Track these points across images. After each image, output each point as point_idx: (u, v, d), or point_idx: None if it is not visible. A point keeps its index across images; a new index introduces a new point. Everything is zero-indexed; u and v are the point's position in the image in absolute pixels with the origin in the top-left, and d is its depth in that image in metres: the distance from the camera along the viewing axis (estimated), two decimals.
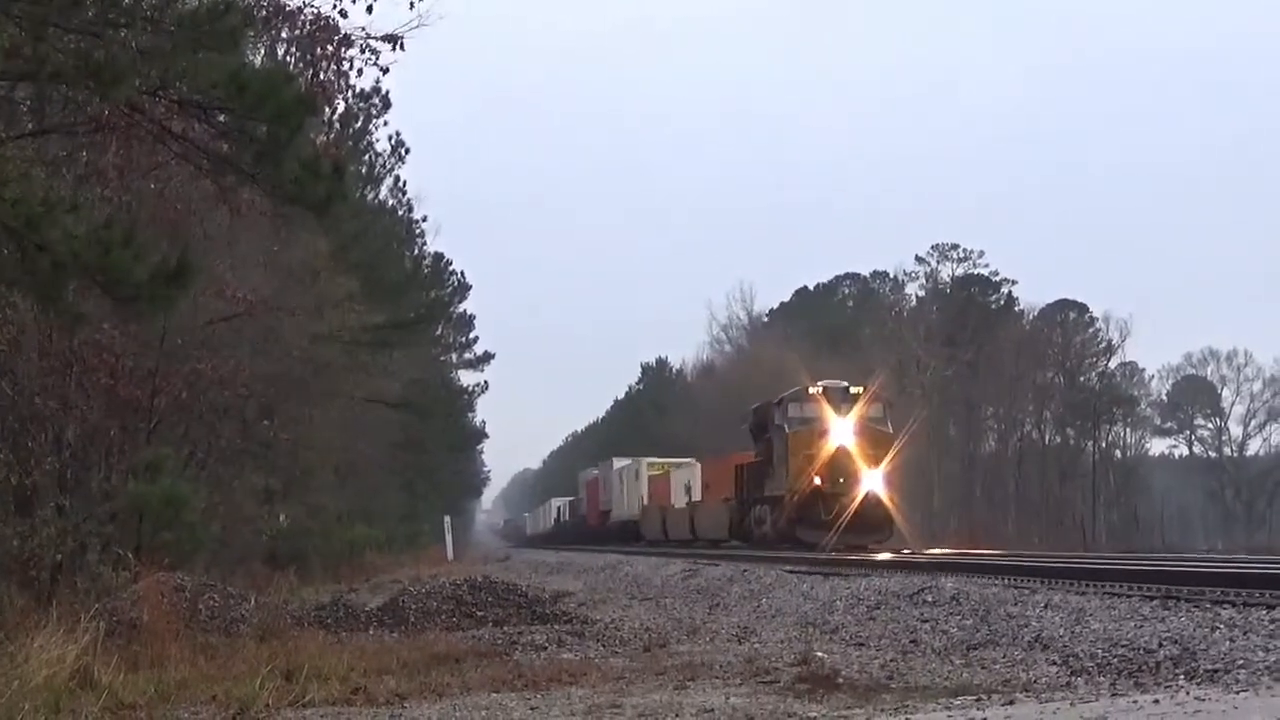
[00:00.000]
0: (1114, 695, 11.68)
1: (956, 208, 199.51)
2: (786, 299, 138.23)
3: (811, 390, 50.65)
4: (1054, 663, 14.24)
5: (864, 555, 41.15)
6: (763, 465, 54.12)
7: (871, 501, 48.10)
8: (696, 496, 70.50)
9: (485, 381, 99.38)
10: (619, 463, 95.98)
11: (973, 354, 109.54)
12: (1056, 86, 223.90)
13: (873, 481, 48.37)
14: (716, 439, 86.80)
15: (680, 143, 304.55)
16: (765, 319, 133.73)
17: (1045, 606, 17.92)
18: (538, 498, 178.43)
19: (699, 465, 73.91)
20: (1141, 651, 13.75)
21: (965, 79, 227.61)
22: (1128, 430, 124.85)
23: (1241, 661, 12.55)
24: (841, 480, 48.38)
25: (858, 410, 49.30)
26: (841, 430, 49.06)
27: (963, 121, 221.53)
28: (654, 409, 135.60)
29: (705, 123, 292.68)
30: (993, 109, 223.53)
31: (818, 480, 48.71)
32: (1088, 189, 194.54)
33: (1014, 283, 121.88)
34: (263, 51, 27.89)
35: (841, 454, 48.81)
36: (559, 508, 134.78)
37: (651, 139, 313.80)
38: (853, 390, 50.19)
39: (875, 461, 48.58)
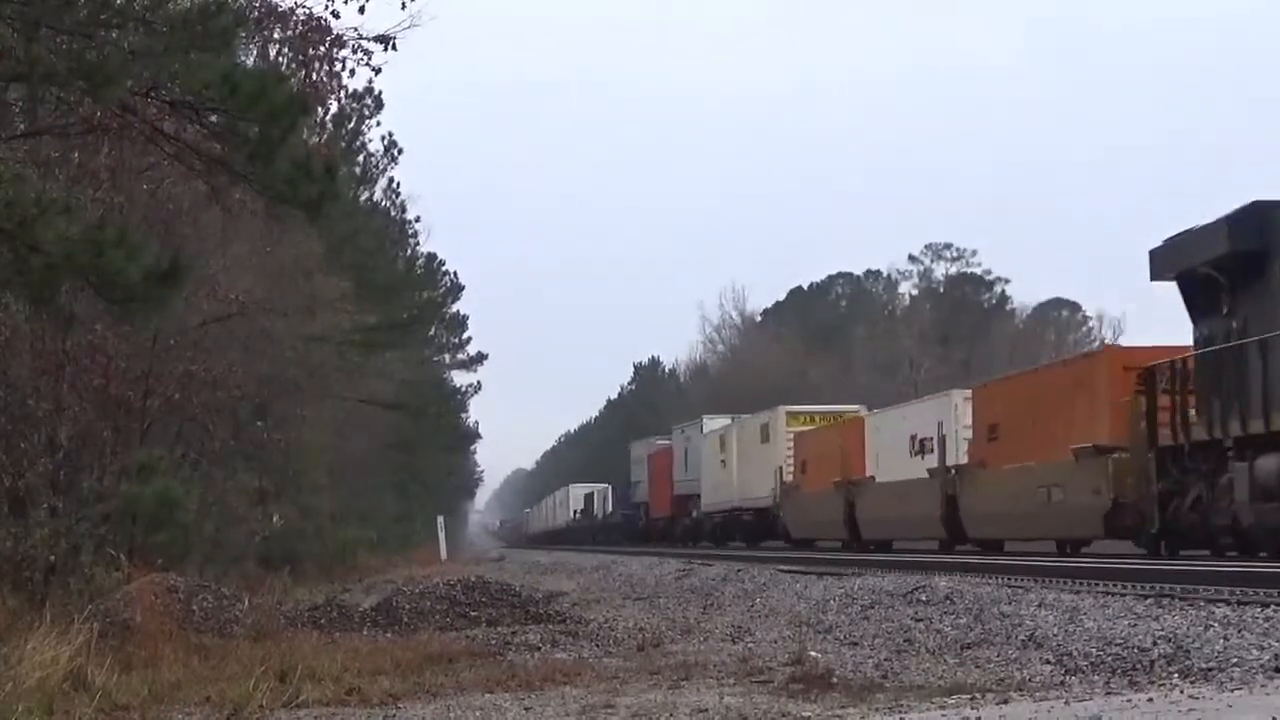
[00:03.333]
0: (1108, 694, 11.67)
1: (950, 206, 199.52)
2: (780, 298, 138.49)
3: None
4: (1048, 661, 14.23)
5: (863, 555, 37.18)
6: None
7: None
8: (956, 458, 40.56)
9: (478, 382, 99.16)
10: (713, 422, 71.38)
11: (966, 352, 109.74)
12: (1052, 85, 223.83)
13: None
14: None
15: (674, 142, 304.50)
16: (758, 319, 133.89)
17: (1039, 605, 17.93)
18: (534, 497, 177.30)
19: (957, 395, 42.74)
20: (1135, 650, 13.75)
21: (959, 78, 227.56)
22: None
23: (1236, 660, 12.55)
24: None
25: None
26: None
27: (957, 120, 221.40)
28: (647, 408, 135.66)
29: (699, 122, 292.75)
30: (987, 107, 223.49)
31: None
32: (1082, 187, 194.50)
33: (1007, 281, 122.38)
34: (255, 52, 27.91)
35: None
36: (585, 497, 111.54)
37: (645, 139, 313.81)
38: None
39: None
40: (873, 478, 46.54)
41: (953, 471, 40.12)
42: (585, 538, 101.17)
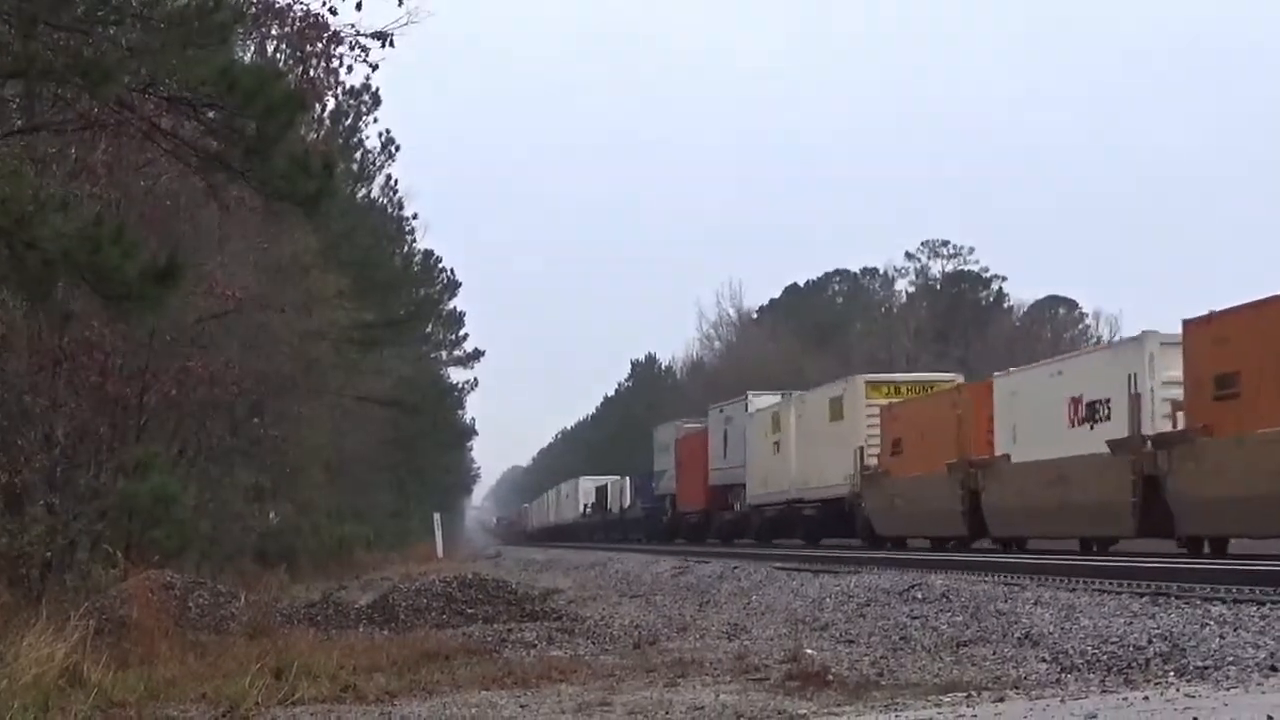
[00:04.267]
0: (1104, 692, 11.68)
1: (947, 204, 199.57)
2: (776, 295, 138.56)
3: None
4: (1044, 659, 14.25)
5: (855, 552, 36.83)
6: None
7: None
8: (1152, 425, 30.46)
9: (475, 379, 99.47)
10: (760, 400, 61.34)
11: (963, 350, 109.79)
12: (1045, 81, 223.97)
13: None
14: None
15: (669, 138, 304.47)
16: (754, 315, 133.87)
17: (1035, 603, 17.95)
18: (531, 494, 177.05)
19: (1153, 341, 31.34)
20: (1131, 648, 13.76)
21: (954, 75, 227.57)
22: None
23: (1232, 658, 12.56)
24: None
25: None
26: None
27: (952, 118, 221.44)
28: (645, 406, 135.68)
29: (695, 119, 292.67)
30: (981, 104, 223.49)
31: None
32: (1078, 184, 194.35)
33: (1004, 279, 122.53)
34: (252, 48, 27.93)
35: None
36: (597, 490, 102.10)
37: (640, 135, 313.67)
38: None
39: None
40: (1006, 456, 36.60)
41: (1148, 444, 30.18)
42: (598, 535, 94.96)
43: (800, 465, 52.86)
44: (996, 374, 40.16)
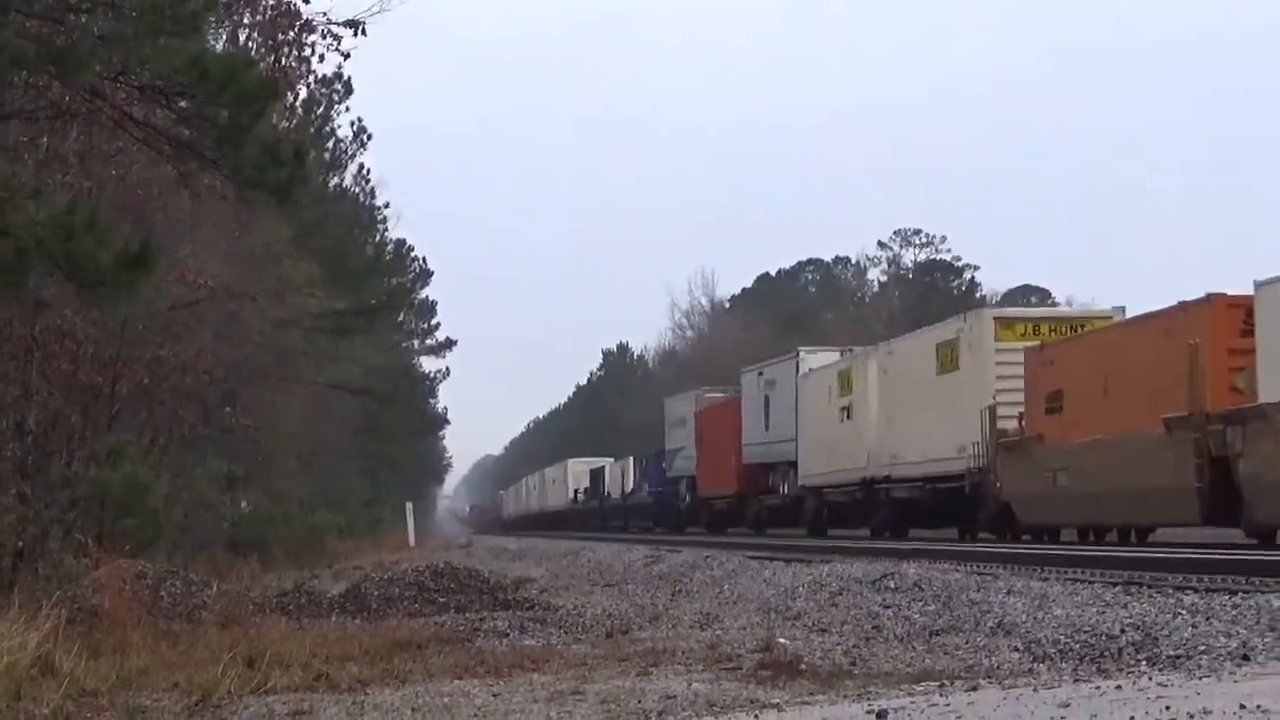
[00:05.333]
0: (1076, 681, 11.69)
1: (919, 192, 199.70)
2: (749, 284, 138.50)
3: None
4: (1017, 649, 14.26)
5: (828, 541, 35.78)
6: None
7: None
8: None
9: (447, 368, 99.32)
10: (816, 358, 50.37)
11: None
12: (1021, 71, 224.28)
13: None
14: None
15: (645, 127, 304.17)
16: (727, 304, 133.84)
17: (1008, 593, 17.98)
18: (503, 482, 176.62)
19: None
20: (1104, 637, 13.79)
21: (929, 64, 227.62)
22: None
23: (1204, 647, 12.60)
24: None
25: None
26: None
27: (925, 106, 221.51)
28: (617, 395, 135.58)
29: (671, 109, 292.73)
30: (956, 93, 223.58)
31: None
32: (1051, 172, 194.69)
33: (976, 268, 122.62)
34: (224, 37, 27.85)
35: None
36: (591, 474, 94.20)
37: (616, 125, 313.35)
38: None
39: None
40: None
41: None
42: (593, 523, 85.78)
43: (885, 434, 42.38)
44: (1258, 281, 26.26)
